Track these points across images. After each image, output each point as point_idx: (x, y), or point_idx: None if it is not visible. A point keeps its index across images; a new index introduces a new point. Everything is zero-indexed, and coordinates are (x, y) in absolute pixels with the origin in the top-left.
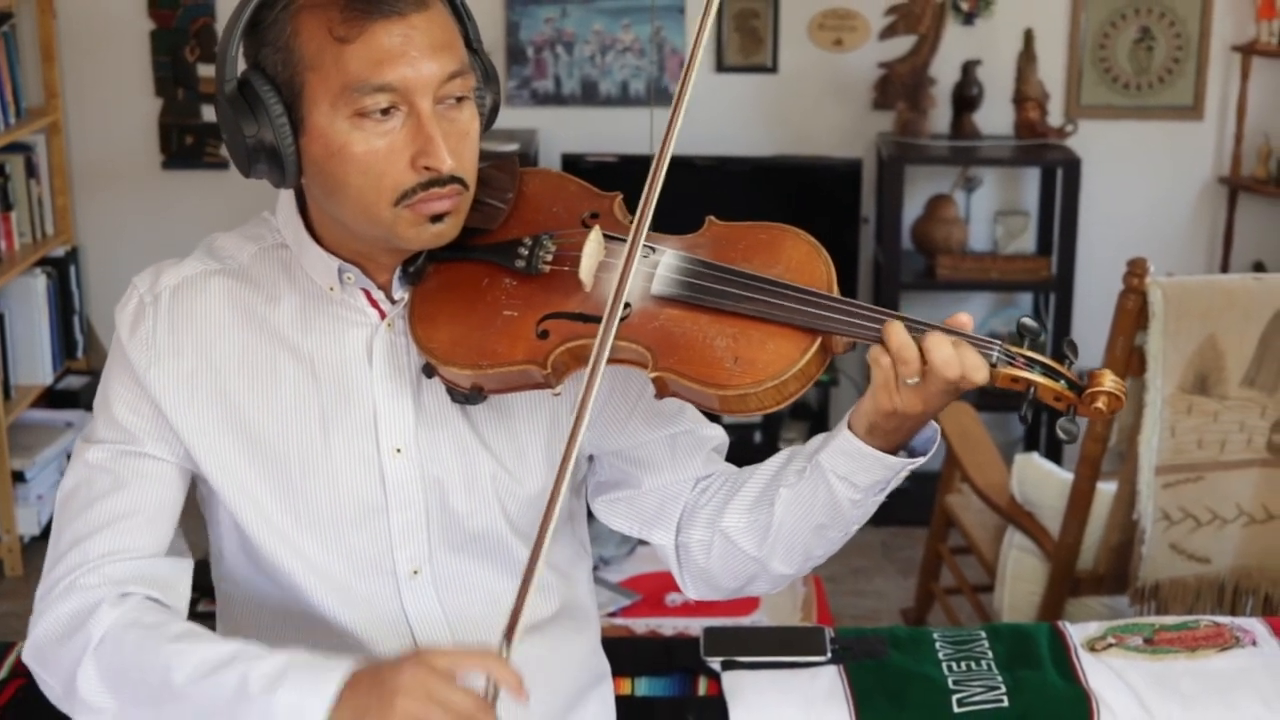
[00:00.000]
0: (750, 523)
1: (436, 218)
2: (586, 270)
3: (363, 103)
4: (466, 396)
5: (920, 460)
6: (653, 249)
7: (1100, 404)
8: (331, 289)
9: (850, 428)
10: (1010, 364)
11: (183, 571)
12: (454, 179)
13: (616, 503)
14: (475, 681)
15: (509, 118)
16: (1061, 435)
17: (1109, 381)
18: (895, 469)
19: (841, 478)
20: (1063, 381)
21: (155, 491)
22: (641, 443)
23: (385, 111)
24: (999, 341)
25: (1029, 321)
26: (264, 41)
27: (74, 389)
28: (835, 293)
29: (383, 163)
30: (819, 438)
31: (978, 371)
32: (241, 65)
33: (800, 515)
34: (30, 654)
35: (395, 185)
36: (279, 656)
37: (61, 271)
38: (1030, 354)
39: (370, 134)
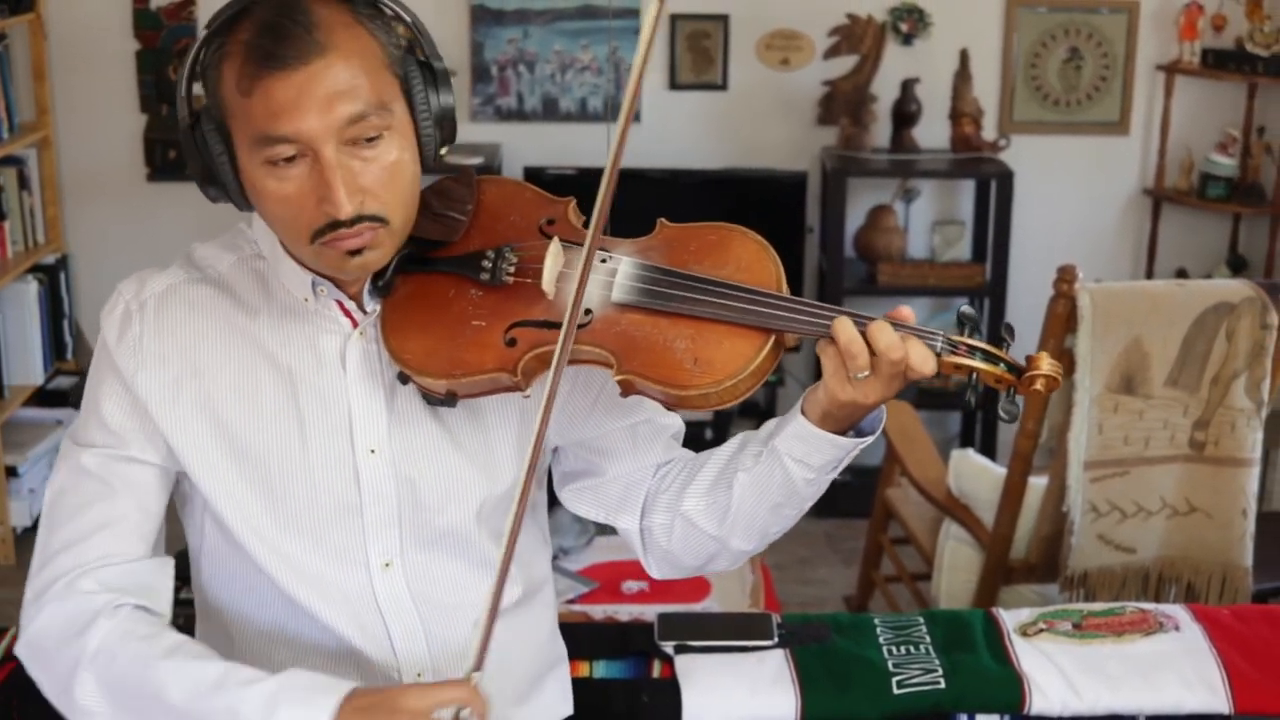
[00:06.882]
0: (709, 505)
1: (355, 251)
2: (548, 280)
3: (268, 153)
4: (441, 400)
5: (869, 439)
6: (609, 255)
7: (1039, 385)
8: (306, 300)
9: (804, 413)
10: (953, 352)
11: (166, 574)
12: (362, 218)
13: (583, 491)
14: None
15: (475, 132)
16: (1003, 415)
17: (1046, 364)
18: (847, 449)
19: (797, 460)
20: (1002, 365)
21: (143, 497)
22: (604, 433)
23: (291, 159)
24: (941, 332)
25: (968, 310)
26: (205, 83)
27: (64, 389)
28: (785, 290)
29: (294, 205)
30: (772, 423)
31: (926, 363)
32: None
33: (758, 496)
34: (25, 650)
35: (308, 225)
36: (267, 684)
37: (52, 278)
38: (971, 341)
39: (280, 179)
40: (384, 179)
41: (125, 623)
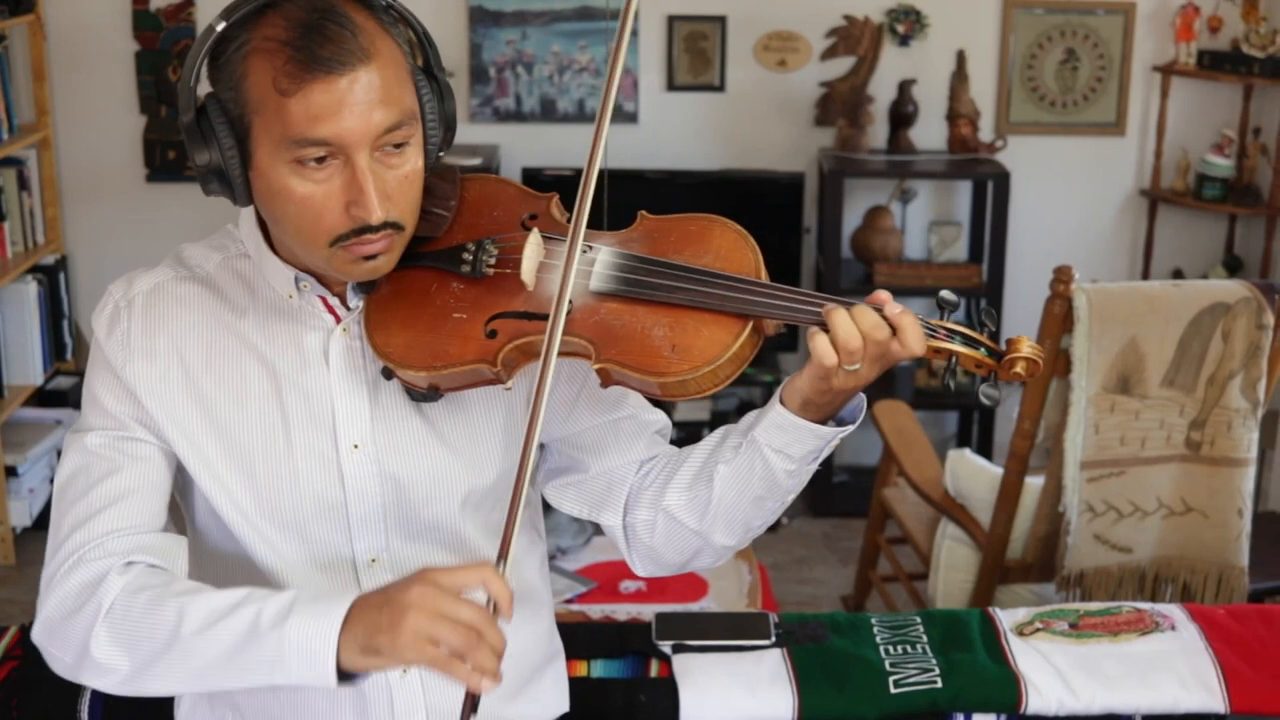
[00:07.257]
0: (690, 499)
1: (369, 256)
2: (528, 272)
3: (299, 153)
4: (424, 395)
5: (849, 428)
6: (590, 246)
7: (1019, 369)
8: (290, 296)
9: (782, 402)
10: (932, 337)
11: (179, 545)
12: (386, 224)
13: (566, 487)
14: (475, 596)
15: (473, 133)
16: (984, 400)
17: (1026, 347)
18: (827, 438)
19: (776, 450)
20: (982, 349)
21: (148, 472)
22: (587, 428)
23: (321, 159)
24: (920, 317)
25: (948, 295)
26: (219, 76)
27: (63, 389)
28: (764, 278)
29: (319, 207)
30: (751, 414)
31: (917, 340)
32: (209, 88)
33: (739, 489)
34: (40, 632)
35: (330, 229)
36: (285, 594)
37: (51, 278)
38: (950, 325)
39: (307, 180)
40: (404, 186)
41: (138, 577)
